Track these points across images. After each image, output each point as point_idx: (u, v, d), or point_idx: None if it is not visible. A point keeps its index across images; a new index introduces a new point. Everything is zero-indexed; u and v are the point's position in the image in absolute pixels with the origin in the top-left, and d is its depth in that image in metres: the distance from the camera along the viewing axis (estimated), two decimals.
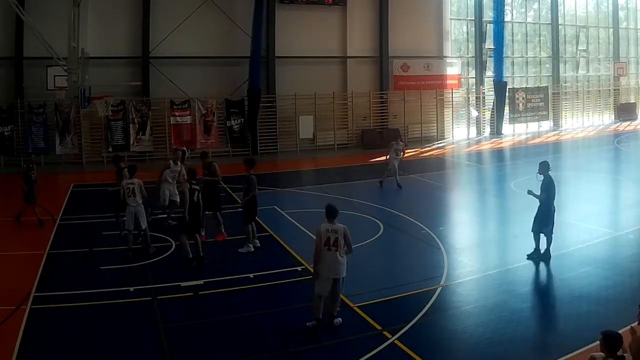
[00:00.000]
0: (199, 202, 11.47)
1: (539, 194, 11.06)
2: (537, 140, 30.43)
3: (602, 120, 37.19)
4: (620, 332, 5.76)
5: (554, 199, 11.15)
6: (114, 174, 13.33)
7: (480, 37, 32.23)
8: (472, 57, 32.69)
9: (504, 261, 11.37)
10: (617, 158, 25.02)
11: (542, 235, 11.22)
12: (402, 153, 18.73)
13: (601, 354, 5.36)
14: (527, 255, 11.26)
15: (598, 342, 5.49)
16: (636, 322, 5.96)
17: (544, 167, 11.11)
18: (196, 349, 8.02)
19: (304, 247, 12.34)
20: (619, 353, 5.28)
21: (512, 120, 32.77)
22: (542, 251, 11.23)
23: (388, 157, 18.65)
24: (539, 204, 11.13)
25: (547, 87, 34.49)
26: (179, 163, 14.15)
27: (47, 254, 11.99)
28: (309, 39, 27.30)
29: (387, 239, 13.18)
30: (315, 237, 8.43)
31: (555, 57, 35.68)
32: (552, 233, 11.15)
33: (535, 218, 11.24)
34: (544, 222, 11.09)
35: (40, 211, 14.65)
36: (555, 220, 11.18)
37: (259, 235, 12.62)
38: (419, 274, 10.76)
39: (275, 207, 15.88)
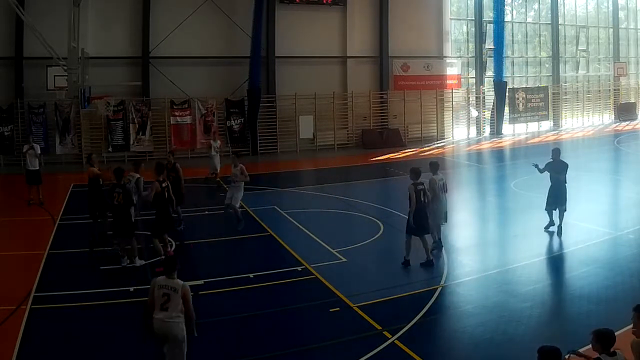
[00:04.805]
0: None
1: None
2: (537, 140, 30.41)
3: (602, 120, 37.16)
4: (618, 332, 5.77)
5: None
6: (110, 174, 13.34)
7: (480, 37, 32.21)
8: (472, 57, 32.67)
9: (504, 261, 11.38)
10: (617, 158, 25.01)
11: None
12: (217, 150, 18.82)
13: None
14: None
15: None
16: (631, 325, 5.95)
17: (555, 153, 13.28)
18: (196, 349, 8.00)
19: (304, 247, 12.38)
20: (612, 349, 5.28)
21: (512, 120, 32.74)
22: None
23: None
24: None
25: (547, 87, 34.47)
26: None
27: (47, 254, 11.98)
28: (308, 39, 27.29)
29: (387, 239, 13.16)
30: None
31: (555, 57, 35.66)
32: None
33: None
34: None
35: (41, 210, 14.64)
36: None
37: (259, 235, 12.60)
38: (419, 274, 10.75)
39: (275, 207, 15.86)
